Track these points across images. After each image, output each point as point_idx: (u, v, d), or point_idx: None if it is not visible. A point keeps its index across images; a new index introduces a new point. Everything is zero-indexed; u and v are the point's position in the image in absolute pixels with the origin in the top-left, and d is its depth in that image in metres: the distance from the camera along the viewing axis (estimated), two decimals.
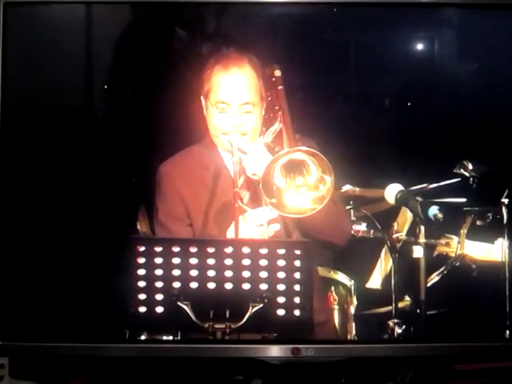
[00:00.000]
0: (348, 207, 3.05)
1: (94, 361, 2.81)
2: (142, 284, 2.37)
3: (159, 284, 2.37)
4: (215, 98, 2.76)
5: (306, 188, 2.55)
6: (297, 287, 2.37)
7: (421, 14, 2.97)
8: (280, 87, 2.76)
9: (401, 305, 2.98)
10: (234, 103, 2.74)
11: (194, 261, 2.36)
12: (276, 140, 2.71)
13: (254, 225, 2.61)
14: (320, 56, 3.07)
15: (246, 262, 2.36)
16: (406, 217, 2.97)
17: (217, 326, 2.38)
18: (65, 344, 2.69)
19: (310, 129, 2.88)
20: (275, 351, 2.64)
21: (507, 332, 2.85)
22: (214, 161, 2.83)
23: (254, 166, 2.65)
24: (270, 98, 2.80)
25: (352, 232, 3.04)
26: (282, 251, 2.37)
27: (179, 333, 2.65)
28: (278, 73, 2.79)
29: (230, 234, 2.64)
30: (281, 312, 2.38)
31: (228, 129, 2.76)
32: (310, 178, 2.54)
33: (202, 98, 2.82)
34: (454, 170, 2.97)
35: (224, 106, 2.75)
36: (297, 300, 2.38)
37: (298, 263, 2.37)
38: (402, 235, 2.97)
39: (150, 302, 2.37)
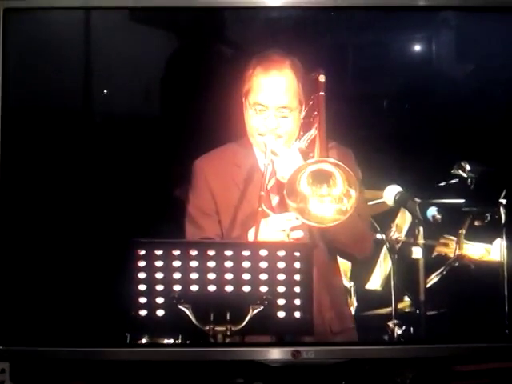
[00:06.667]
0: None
1: (95, 365, 2.81)
2: (142, 287, 2.36)
3: (160, 287, 2.36)
4: (253, 100, 2.74)
5: (329, 199, 2.55)
6: (297, 289, 2.36)
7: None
8: (321, 93, 2.72)
9: (400, 305, 2.99)
10: (272, 106, 2.72)
11: (194, 264, 2.35)
12: (311, 145, 2.68)
13: (276, 230, 2.61)
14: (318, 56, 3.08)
15: (246, 264, 2.35)
16: (404, 218, 2.98)
17: (217, 328, 2.37)
18: (66, 348, 2.69)
19: None
20: (276, 354, 2.64)
21: (507, 332, 2.86)
22: (248, 160, 2.82)
23: (284, 169, 2.64)
24: (312, 102, 2.77)
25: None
26: (281, 253, 2.36)
27: (180, 336, 2.65)
28: (322, 78, 2.75)
29: (251, 236, 2.63)
30: (281, 314, 2.37)
31: (264, 130, 2.74)
32: (335, 190, 2.54)
33: (242, 97, 2.80)
34: (452, 171, 2.98)
35: (261, 107, 2.73)
36: (297, 302, 2.36)
37: (297, 265, 2.36)
38: (401, 236, 2.98)
39: (151, 305, 2.36)
